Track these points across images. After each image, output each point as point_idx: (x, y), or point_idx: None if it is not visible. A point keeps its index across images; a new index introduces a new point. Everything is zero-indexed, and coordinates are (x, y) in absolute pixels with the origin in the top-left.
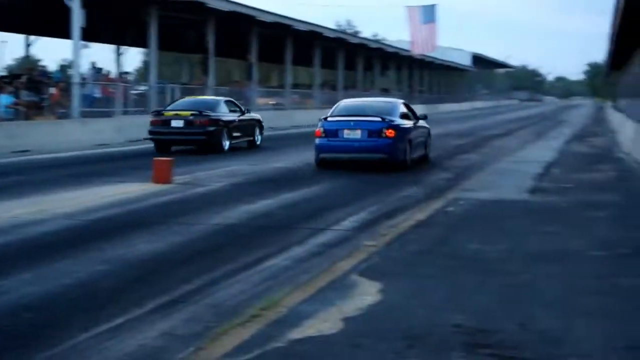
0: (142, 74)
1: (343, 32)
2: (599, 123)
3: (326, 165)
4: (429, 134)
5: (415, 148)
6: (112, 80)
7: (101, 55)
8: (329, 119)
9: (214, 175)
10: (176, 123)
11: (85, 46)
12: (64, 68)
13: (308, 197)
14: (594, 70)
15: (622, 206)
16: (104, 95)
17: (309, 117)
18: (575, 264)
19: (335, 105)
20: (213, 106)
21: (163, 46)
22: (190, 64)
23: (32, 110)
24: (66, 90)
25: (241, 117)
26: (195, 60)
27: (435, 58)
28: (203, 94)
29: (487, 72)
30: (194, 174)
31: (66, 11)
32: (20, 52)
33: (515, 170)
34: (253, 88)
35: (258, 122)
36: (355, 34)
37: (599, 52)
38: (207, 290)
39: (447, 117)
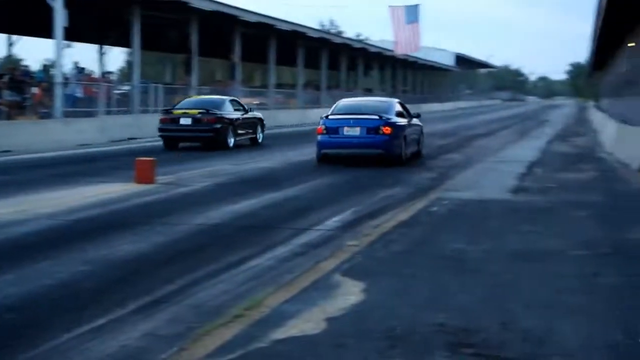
0: (125, 73)
1: (326, 32)
2: (581, 123)
3: (327, 160)
4: (422, 131)
5: (410, 144)
6: (95, 80)
7: (84, 55)
8: (329, 117)
9: (197, 175)
10: (185, 121)
11: (68, 46)
12: (46, 68)
13: (290, 196)
14: (576, 70)
15: (604, 206)
16: (86, 95)
17: (292, 117)
18: (557, 263)
19: (335, 105)
20: (219, 105)
21: (146, 46)
22: (174, 64)
23: (14, 110)
24: (48, 90)
25: (245, 116)
26: (178, 60)
27: (419, 58)
28: (186, 94)
29: (470, 72)
30: (177, 174)
31: (49, 11)
32: (2, 52)
33: (498, 170)
34: (236, 88)
35: (260, 120)
36: (338, 34)
37: (582, 52)
38: (190, 290)
39: (431, 117)
